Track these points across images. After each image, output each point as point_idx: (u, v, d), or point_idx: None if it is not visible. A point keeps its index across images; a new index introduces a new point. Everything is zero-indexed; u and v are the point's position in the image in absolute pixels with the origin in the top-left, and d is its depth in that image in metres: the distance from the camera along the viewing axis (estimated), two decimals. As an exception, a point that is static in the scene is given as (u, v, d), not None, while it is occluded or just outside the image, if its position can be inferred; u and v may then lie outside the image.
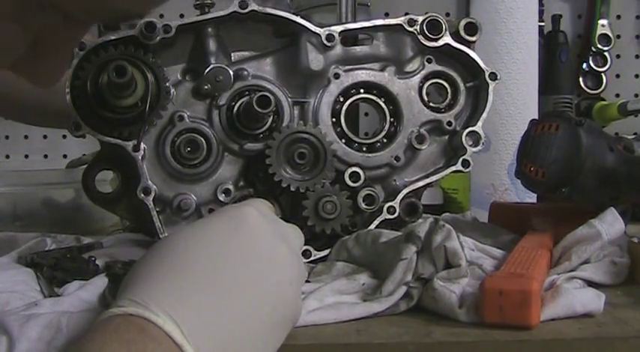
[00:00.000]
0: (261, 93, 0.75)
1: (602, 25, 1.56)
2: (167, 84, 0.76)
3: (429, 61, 0.83)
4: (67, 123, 0.76)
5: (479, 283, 0.59)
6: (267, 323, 0.50)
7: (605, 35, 1.56)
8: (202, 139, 0.78)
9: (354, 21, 1.33)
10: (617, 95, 1.60)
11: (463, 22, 0.82)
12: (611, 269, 0.70)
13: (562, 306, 0.60)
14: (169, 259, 0.49)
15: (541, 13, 1.49)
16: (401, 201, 0.80)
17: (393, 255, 0.65)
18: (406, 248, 0.64)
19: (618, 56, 1.60)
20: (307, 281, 0.69)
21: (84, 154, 1.31)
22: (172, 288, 0.46)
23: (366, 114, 1.31)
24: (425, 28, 0.81)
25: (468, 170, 0.82)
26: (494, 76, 0.82)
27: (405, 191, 0.80)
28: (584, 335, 0.57)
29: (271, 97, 0.75)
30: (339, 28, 0.80)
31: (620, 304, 0.65)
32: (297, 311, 0.54)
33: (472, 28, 0.82)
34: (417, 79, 0.83)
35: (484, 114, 0.82)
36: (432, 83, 0.83)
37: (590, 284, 0.67)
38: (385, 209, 0.80)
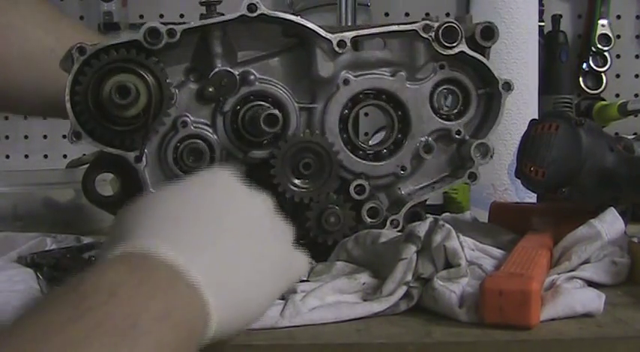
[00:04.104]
0: (269, 111, 0.74)
1: (602, 25, 1.56)
2: (170, 88, 0.75)
3: (442, 68, 0.80)
4: (57, 112, 0.75)
5: (479, 283, 0.59)
6: (270, 273, 0.53)
7: (605, 35, 1.56)
8: (206, 146, 0.77)
9: (355, 21, 1.33)
10: (617, 95, 1.59)
11: (480, 27, 0.79)
12: (612, 269, 0.70)
13: (562, 306, 0.60)
14: (170, 208, 0.51)
15: (541, 13, 1.49)
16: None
17: (392, 255, 0.65)
18: (406, 248, 0.64)
19: (618, 56, 1.60)
20: (307, 281, 0.70)
21: (84, 154, 1.31)
22: (180, 233, 0.48)
23: (366, 114, 1.31)
24: (440, 34, 0.78)
25: (475, 183, 0.81)
26: (507, 86, 0.80)
27: (409, 204, 0.80)
28: (584, 335, 0.57)
29: (279, 116, 0.74)
30: (350, 34, 0.78)
31: (620, 304, 0.65)
32: (299, 264, 0.57)
33: (489, 33, 0.80)
34: (428, 85, 0.80)
35: (495, 126, 0.81)
36: (444, 89, 0.81)
37: (591, 284, 0.68)
38: (389, 222, 0.79)
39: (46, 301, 0.42)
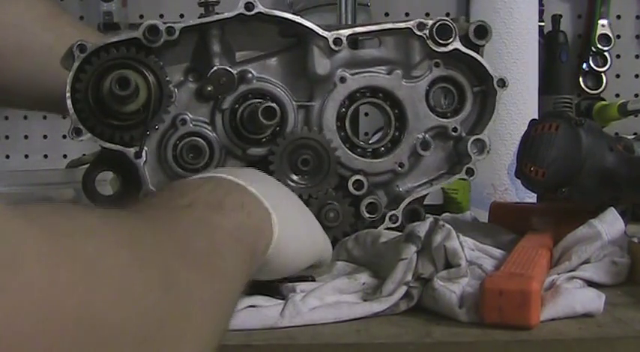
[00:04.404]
0: (266, 104, 0.74)
1: (602, 25, 1.56)
2: (170, 86, 0.75)
3: (437, 65, 0.81)
4: (56, 107, 0.75)
5: (479, 283, 0.59)
6: (314, 230, 0.67)
7: (605, 35, 1.56)
8: (205, 144, 0.77)
9: (355, 21, 1.33)
10: (617, 95, 1.59)
11: (473, 26, 0.80)
12: (612, 269, 0.70)
13: (562, 306, 0.60)
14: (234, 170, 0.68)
15: (541, 13, 1.49)
16: (404, 208, 0.80)
17: (393, 255, 0.65)
18: (406, 248, 0.64)
19: (618, 56, 1.59)
20: (313, 280, 0.69)
21: (84, 154, 1.32)
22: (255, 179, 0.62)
23: (366, 114, 1.31)
24: (434, 32, 0.79)
25: (472, 178, 0.81)
26: (502, 83, 0.80)
27: (407, 200, 0.80)
28: (584, 335, 0.57)
29: (277, 108, 0.75)
30: (346, 32, 0.78)
31: (620, 304, 0.65)
32: (329, 245, 0.71)
33: (482, 32, 0.80)
34: (424, 83, 0.81)
35: (490, 122, 0.81)
36: (439, 87, 0.82)
37: (590, 284, 0.67)
38: (388, 217, 0.79)
39: (155, 195, 0.59)
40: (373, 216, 0.79)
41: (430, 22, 0.79)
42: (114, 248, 0.38)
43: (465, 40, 0.80)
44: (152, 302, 0.39)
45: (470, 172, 0.81)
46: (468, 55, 0.80)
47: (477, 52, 0.80)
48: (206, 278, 0.46)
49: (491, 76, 0.81)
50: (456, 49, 0.80)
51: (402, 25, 0.80)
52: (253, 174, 0.68)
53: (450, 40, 0.79)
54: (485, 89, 0.82)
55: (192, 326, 0.42)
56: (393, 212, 0.80)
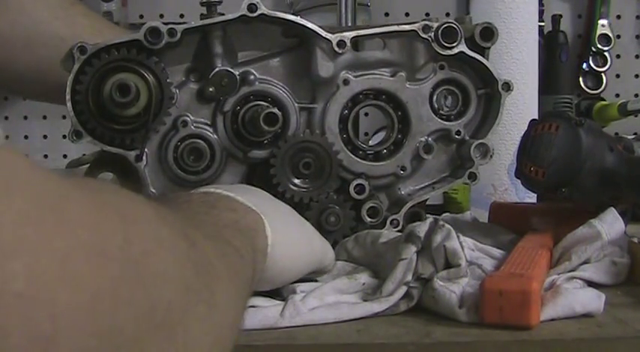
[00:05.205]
0: (268, 110, 0.74)
1: (602, 25, 1.56)
2: (171, 88, 0.75)
3: (442, 68, 0.80)
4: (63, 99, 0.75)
5: (479, 283, 0.59)
6: (308, 242, 0.67)
7: (605, 35, 1.56)
8: (206, 146, 0.77)
9: (355, 21, 1.33)
10: (617, 95, 1.59)
11: (479, 28, 0.79)
12: (611, 269, 0.70)
13: (562, 306, 0.60)
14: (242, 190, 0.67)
15: (541, 13, 1.49)
16: (405, 212, 0.80)
17: (393, 255, 0.65)
18: (406, 248, 0.64)
19: (618, 56, 1.60)
20: (316, 281, 0.69)
21: (84, 154, 1.31)
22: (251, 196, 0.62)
23: (366, 114, 1.31)
24: (440, 35, 0.78)
25: (474, 183, 0.81)
26: (507, 87, 0.80)
27: (409, 204, 0.80)
28: (584, 335, 0.57)
29: (279, 115, 0.74)
30: (350, 34, 0.78)
31: (620, 304, 0.65)
32: (331, 254, 0.71)
33: (488, 34, 0.80)
34: (428, 85, 0.80)
35: (494, 126, 0.81)
36: (443, 89, 0.81)
37: (590, 284, 0.68)
38: (389, 221, 0.79)
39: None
40: (374, 220, 0.79)
41: (435, 25, 0.79)
42: (140, 203, 0.40)
43: (471, 42, 0.80)
44: (184, 253, 0.40)
45: (472, 176, 0.81)
46: (473, 58, 0.79)
47: (482, 54, 0.80)
48: (219, 254, 0.47)
49: (497, 80, 0.80)
50: (462, 52, 0.79)
51: (407, 27, 0.79)
52: (239, 188, 0.69)
53: (455, 43, 0.79)
54: (490, 92, 0.82)
55: (220, 285, 0.44)
56: (395, 216, 0.80)
